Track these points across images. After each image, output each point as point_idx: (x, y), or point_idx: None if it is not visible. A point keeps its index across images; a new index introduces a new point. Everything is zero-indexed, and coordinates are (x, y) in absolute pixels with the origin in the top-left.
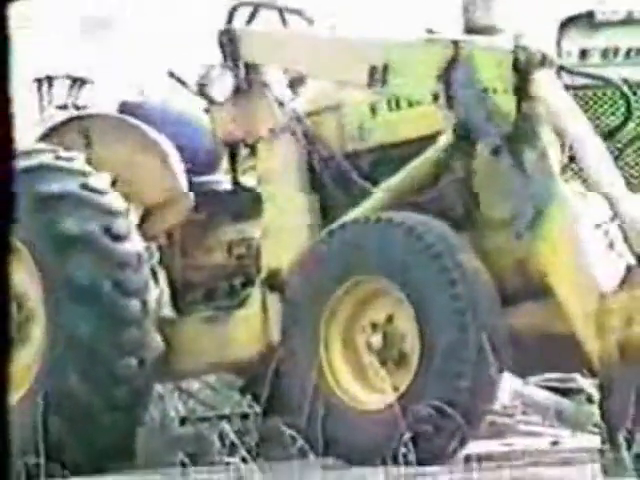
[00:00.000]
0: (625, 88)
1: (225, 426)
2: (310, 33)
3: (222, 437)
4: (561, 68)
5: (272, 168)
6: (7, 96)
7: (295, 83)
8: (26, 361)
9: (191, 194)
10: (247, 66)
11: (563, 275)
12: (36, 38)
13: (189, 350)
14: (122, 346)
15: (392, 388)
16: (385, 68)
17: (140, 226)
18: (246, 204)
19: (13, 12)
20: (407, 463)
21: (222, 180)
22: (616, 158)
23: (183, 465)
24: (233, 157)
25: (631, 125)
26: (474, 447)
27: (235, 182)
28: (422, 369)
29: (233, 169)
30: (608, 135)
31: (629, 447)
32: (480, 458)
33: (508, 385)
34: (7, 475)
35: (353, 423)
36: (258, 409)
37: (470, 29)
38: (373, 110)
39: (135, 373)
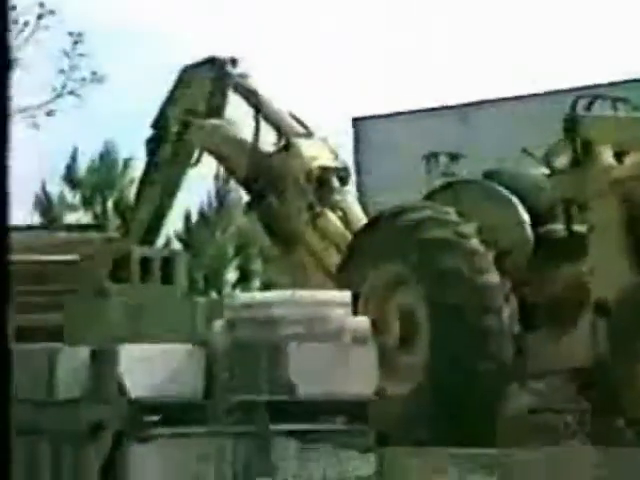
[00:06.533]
0: None
1: (568, 417)
2: (633, 116)
3: (566, 425)
4: None
5: (598, 221)
6: (5, 95)
7: (619, 155)
8: (412, 360)
9: (533, 240)
10: (583, 143)
11: None
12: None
13: (534, 357)
14: (485, 352)
15: None
16: None
17: (497, 264)
18: (578, 247)
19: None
20: None
21: (559, 229)
22: None
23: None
24: (567, 211)
25: None
26: None
27: (569, 230)
28: None
29: (567, 220)
30: None
31: None
32: None
33: None
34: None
35: None
36: (591, 406)
37: None
38: None
39: (495, 374)
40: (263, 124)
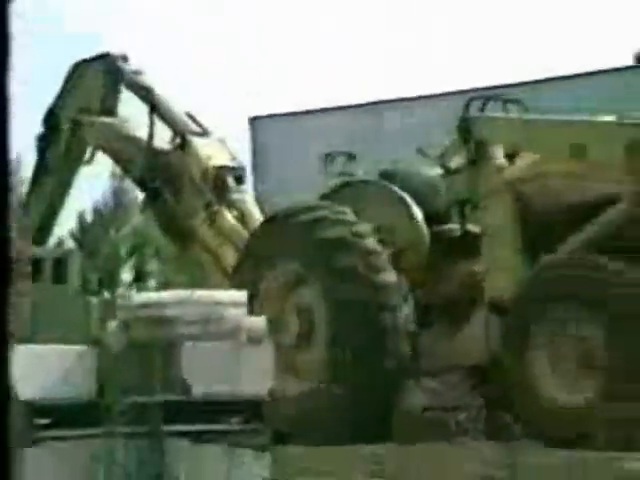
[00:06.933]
0: None
1: (460, 414)
2: (524, 117)
3: (457, 423)
4: None
5: (491, 220)
6: (6, 94)
7: (511, 155)
8: (310, 358)
9: (429, 239)
10: (476, 143)
11: None
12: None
13: (429, 354)
14: (382, 350)
15: (587, 388)
16: (584, 145)
17: (393, 262)
18: (473, 246)
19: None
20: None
21: (454, 228)
22: None
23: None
24: (462, 210)
25: None
26: None
27: (463, 229)
28: (611, 375)
29: (462, 220)
30: None
31: None
32: None
33: None
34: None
35: (552, 415)
36: (484, 402)
37: None
38: (572, 176)
39: (391, 371)
40: (158, 122)
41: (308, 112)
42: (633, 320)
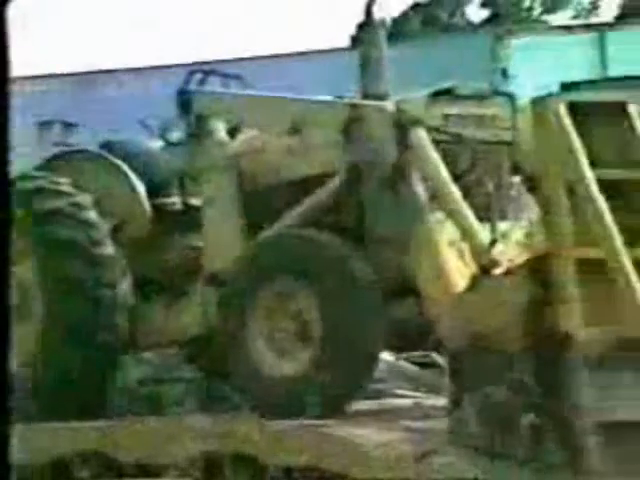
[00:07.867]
0: (461, 144)
1: (176, 386)
2: (245, 93)
3: (174, 395)
4: (429, 127)
5: (212, 194)
6: (6, 93)
7: (232, 131)
8: (24, 332)
9: (150, 212)
10: (197, 117)
11: (427, 279)
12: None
13: (147, 329)
14: (98, 325)
15: (301, 359)
16: (302, 121)
17: (113, 235)
18: (193, 220)
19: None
20: (310, 416)
21: (175, 202)
22: (465, 195)
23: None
24: (182, 184)
25: (476, 171)
26: (357, 405)
27: (184, 203)
28: (324, 346)
29: (182, 193)
30: (458, 178)
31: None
32: (362, 413)
33: (384, 359)
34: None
35: (268, 385)
36: (203, 374)
37: (365, 95)
38: (290, 152)
39: (108, 346)
40: None
41: (24, 78)
42: (344, 292)
